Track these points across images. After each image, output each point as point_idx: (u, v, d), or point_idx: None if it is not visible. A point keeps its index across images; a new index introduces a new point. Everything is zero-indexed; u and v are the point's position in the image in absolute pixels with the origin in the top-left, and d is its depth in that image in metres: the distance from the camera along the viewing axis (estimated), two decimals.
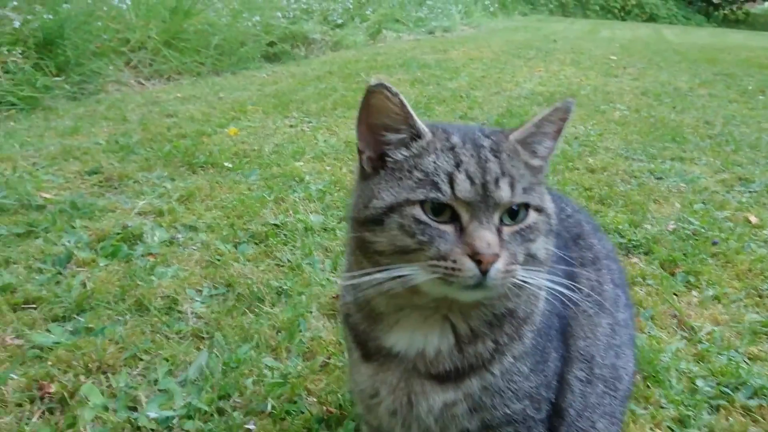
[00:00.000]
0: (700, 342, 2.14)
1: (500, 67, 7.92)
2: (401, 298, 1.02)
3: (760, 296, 2.43)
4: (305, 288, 2.35)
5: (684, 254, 2.70)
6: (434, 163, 0.97)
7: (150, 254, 2.56)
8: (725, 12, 26.99)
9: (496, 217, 0.96)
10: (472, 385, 1.08)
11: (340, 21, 10.60)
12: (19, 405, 1.72)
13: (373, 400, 1.15)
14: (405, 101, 0.99)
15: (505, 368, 1.09)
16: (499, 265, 0.92)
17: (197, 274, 2.43)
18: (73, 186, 3.23)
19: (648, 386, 1.90)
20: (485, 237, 0.92)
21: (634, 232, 2.90)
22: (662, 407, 1.82)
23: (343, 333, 1.24)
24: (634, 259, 2.70)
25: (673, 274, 2.57)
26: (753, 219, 3.12)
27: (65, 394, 1.74)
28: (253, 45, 8.01)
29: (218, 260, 2.53)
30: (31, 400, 1.73)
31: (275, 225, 2.84)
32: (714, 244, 2.80)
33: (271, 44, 8.32)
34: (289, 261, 2.56)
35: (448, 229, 0.94)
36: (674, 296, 2.42)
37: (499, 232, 0.95)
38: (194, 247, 2.65)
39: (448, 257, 0.92)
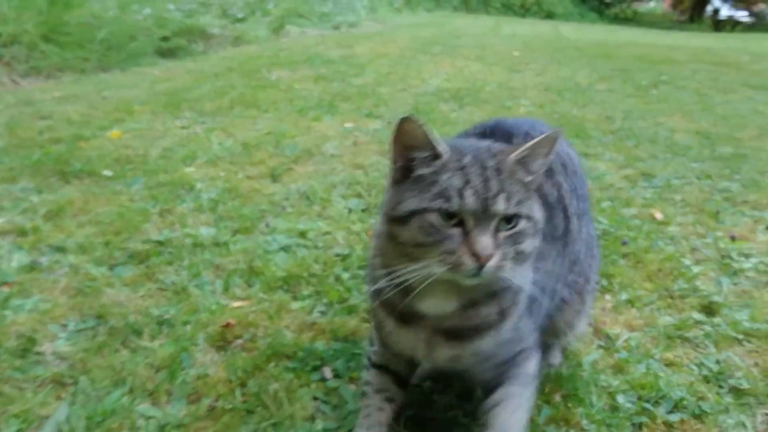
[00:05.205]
0: (617, 351, 2.05)
1: (406, 63, 7.80)
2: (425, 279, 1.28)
3: (671, 297, 2.39)
4: (191, 315, 2.07)
5: None
6: (448, 180, 1.23)
7: (5, 283, 2.19)
8: (616, 11, 28.42)
9: (493, 224, 1.22)
10: (485, 343, 1.40)
11: (240, 15, 10.14)
12: None
13: (411, 351, 1.47)
14: (428, 130, 1.23)
15: (510, 326, 1.41)
16: (492, 262, 1.20)
17: (62, 305, 2.09)
18: None
19: (568, 407, 1.78)
20: (483, 241, 1.20)
21: None
22: (584, 429, 1.69)
23: (372, 315, 1.55)
24: None
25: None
26: (658, 215, 3.12)
27: None
28: (144, 39, 7.46)
29: (89, 287, 2.19)
30: None
31: (158, 242, 2.52)
32: (624, 243, 2.75)
33: (164, 39, 7.78)
34: (173, 283, 2.26)
35: (456, 231, 1.21)
36: None
37: (495, 235, 1.22)
38: (61, 272, 2.29)
39: (454, 253, 1.20)
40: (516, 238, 1.24)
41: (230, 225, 2.73)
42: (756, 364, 2.01)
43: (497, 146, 1.32)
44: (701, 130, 4.92)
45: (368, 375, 1.68)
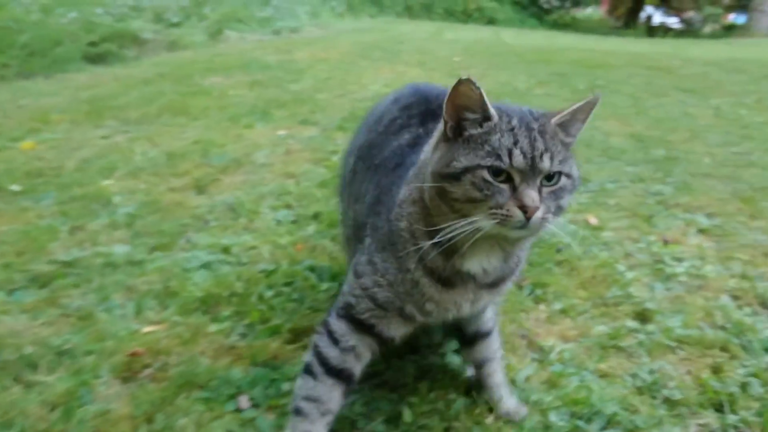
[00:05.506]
0: (551, 364, 1.99)
1: (346, 68, 7.69)
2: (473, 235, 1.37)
3: (606, 305, 2.35)
4: (96, 344, 1.89)
5: (530, 264, 2.57)
6: (499, 140, 1.32)
7: None
8: (555, 17, 29.06)
9: (538, 181, 1.32)
10: (507, 285, 1.60)
11: (175, 20, 9.82)
12: None
13: (450, 311, 1.55)
14: (483, 93, 1.29)
15: (521, 268, 1.61)
16: (538, 214, 1.29)
17: None
18: None
19: (500, 427, 1.69)
20: (531, 195, 1.29)
21: None
22: None
23: (408, 286, 1.50)
24: None
25: (521, 288, 2.42)
26: (592, 220, 3.10)
27: None
28: (70, 45, 7.12)
29: None
30: None
31: (65, 263, 2.33)
32: (558, 251, 2.71)
33: (92, 44, 7.44)
34: (78, 308, 2.07)
35: (505, 187, 1.31)
36: (523, 313, 2.27)
37: (539, 191, 1.31)
38: None
39: (503, 207, 1.29)
40: (557, 194, 1.35)
41: (147, 242, 2.56)
42: (689, 372, 1.98)
43: (538, 111, 1.42)
44: (635, 134, 4.98)
45: (317, 389, 1.53)
